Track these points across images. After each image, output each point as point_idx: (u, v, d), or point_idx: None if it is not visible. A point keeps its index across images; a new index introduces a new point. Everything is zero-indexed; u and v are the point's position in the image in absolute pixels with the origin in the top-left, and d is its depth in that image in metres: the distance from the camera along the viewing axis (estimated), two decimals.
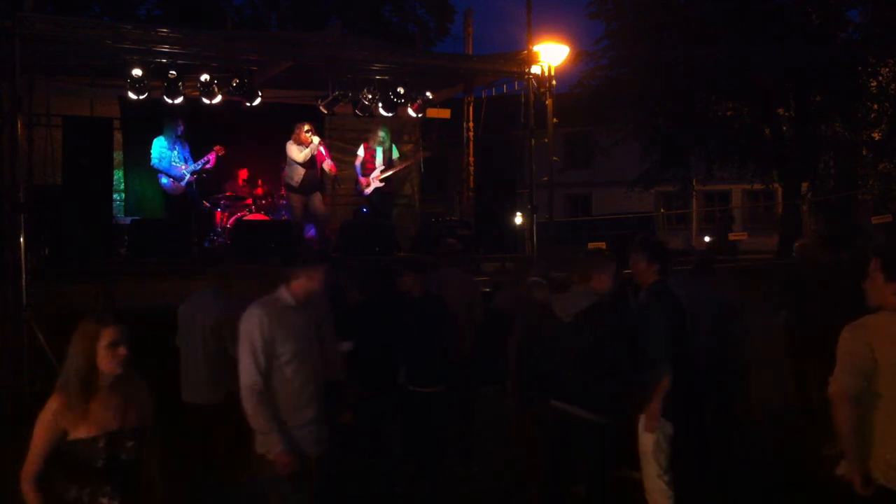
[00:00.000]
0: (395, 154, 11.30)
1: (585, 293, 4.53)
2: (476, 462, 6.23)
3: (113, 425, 3.23)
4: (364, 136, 11.39)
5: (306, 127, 10.29)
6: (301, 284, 4.22)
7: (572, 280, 4.73)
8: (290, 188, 10.52)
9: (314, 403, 4.21)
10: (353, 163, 11.56)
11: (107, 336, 3.25)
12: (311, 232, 10.79)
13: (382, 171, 10.97)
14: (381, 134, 11.04)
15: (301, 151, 10.29)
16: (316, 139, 10.33)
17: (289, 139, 10.42)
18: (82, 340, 3.25)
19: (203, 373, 5.29)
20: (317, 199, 10.57)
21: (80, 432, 3.19)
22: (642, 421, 4.50)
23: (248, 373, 4.06)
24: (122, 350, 3.26)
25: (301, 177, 10.38)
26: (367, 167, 11.03)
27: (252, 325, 4.09)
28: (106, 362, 3.24)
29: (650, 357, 4.40)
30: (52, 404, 3.23)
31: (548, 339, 4.64)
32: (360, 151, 11.11)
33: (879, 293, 3.26)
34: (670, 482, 4.44)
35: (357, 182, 11.16)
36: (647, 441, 4.48)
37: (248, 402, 4.05)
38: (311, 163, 10.41)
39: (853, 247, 8.05)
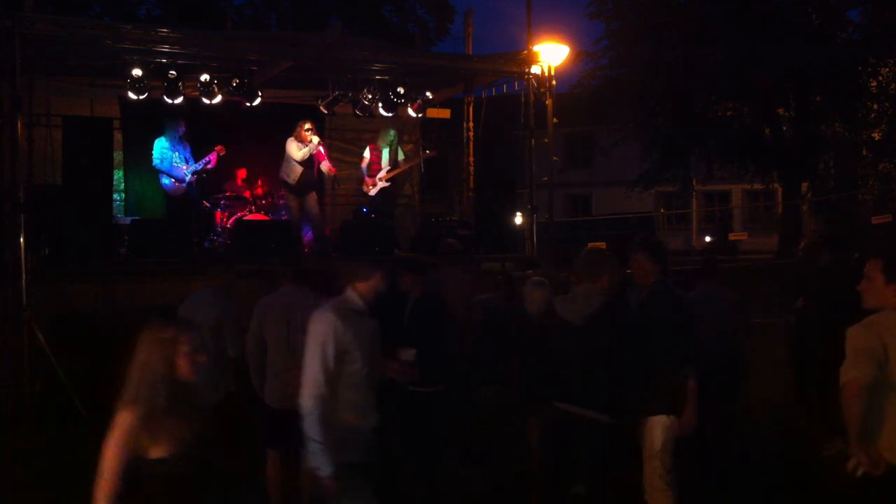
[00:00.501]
0: (401, 155, 11.33)
1: (593, 294, 4.50)
2: (476, 462, 6.23)
3: (188, 439, 2.98)
4: (368, 137, 11.42)
5: (307, 125, 10.28)
6: (372, 286, 4.07)
7: (573, 280, 4.71)
8: (287, 186, 10.51)
9: (375, 410, 4.07)
10: (353, 163, 11.58)
11: (186, 342, 3.03)
12: (307, 231, 10.79)
13: (388, 172, 11.00)
14: (390, 135, 11.07)
15: (300, 150, 10.28)
16: (315, 139, 10.32)
17: (287, 138, 10.42)
18: (160, 348, 2.98)
19: (202, 374, 5.27)
20: (311, 199, 10.55)
21: (160, 450, 2.91)
22: (651, 422, 4.48)
23: (315, 381, 3.87)
24: (202, 357, 3.06)
25: (298, 175, 10.36)
26: (374, 168, 11.06)
27: (325, 330, 3.89)
28: (186, 370, 3.02)
29: (667, 358, 4.39)
30: (126, 420, 2.91)
31: (556, 341, 4.59)
32: (367, 153, 11.14)
33: (880, 295, 3.25)
34: (671, 483, 4.44)
35: (362, 182, 11.18)
36: (657, 441, 4.47)
37: (311, 412, 3.86)
38: (309, 162, 10.40)
39: (855, 247, 8.06)
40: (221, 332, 5.23)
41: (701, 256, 7.14)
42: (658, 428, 4.48)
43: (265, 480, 5.23)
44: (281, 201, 10.83)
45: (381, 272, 4.11)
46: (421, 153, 12.59)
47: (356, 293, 4.06)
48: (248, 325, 5.27)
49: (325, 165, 10.43)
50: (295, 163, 10.33)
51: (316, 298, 5.23)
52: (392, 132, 11.04)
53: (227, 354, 5.30)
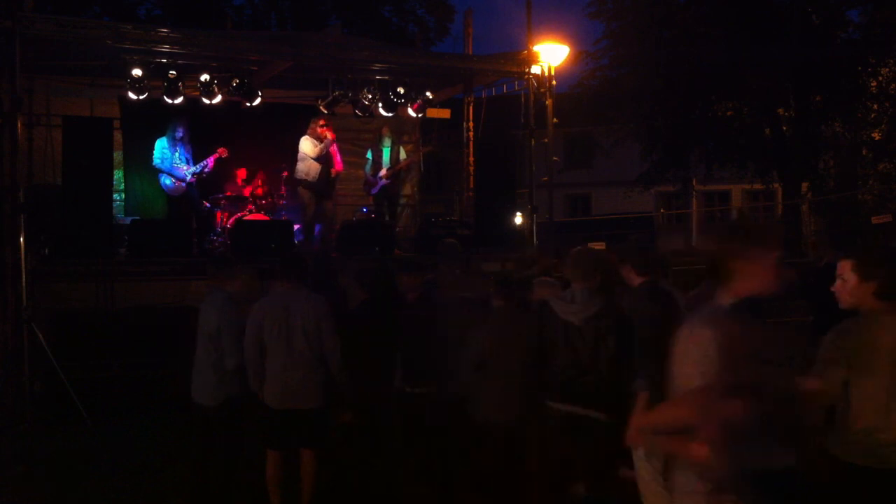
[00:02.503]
0: (403, 154, 11.38)
1: (593, 295, 4.48)
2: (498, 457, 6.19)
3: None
4: (368, 137, 11.47)
5: (322, 121, 10.36)
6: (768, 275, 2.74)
7: (569, 279, 4.68)
8: (304, 184, 10.53)
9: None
10: (353, 163, 11.65)
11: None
12: (316, 231, 10.82)
13: (389, 170, 11.05)
14: (388, 134, 11.13)
15: (316, 146, 10.35)
16: (329, 135, 10.39)
17: (287, 137, 10.47)
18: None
19: (204, 375, 5.26)
20: (330, 201, 10.65)
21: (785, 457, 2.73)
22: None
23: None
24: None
25: (317, 172, 10.44)
26: (375, 168, 11.13)
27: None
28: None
29: (636, 364, 4.35)
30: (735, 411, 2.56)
31: (555, 341, 4.56)
32: (369, 155, 11.21)
33: (855, 295, 3.28)
34: (667, 483, 4.42)
35: (366, 183, 11.25)
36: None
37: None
38: (326, 158, 10.44)
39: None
40: (220, 337, 5.19)
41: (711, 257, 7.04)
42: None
43: (265, 481, 5.22)
44: (281, 202, 10.84)
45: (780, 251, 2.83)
46: (420, 147, 12.62)
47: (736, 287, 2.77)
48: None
49: (338, 163, 10.52)
50: (311, 160, 10.38)
51: (314, 297, 5.24)
52: (389, 134, 11.11)
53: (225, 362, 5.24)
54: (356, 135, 12.14)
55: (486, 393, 4.90)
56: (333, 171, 10.69)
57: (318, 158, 10.38)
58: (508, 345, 4.86)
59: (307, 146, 10.40)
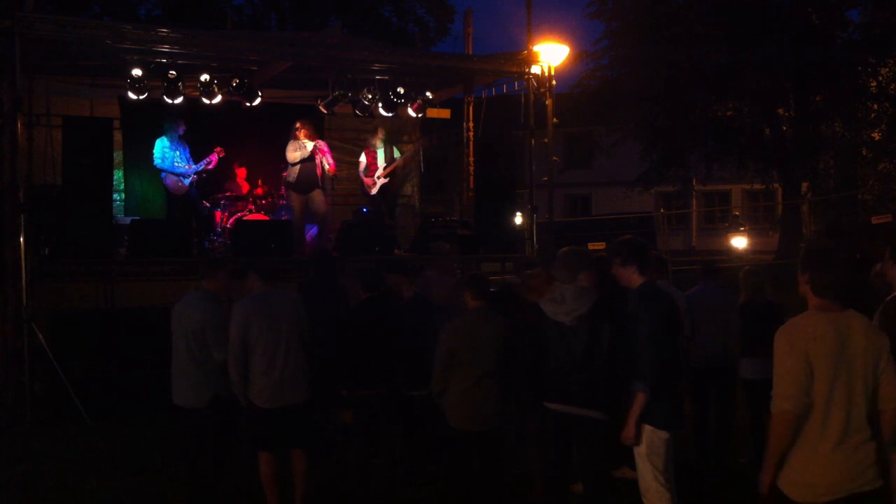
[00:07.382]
0: (397, 153, 11.37)
1: (582, 294, 4.48)
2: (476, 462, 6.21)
3: None
4: (368, 137, 11.44)
5: (297, 124, 10.36)
6: None
7: (561, 279, 4.66)
8: (287, 185, 10.55)
9: None
10: (353, 163, 11.61)
11: None
12: (313, 231, 10.80)
13: (385, 169, 11.04)
14: (382, 134, 11.11)
15: (294, 151, 10.34)
16: (310, 143, 10.33)
17: (288, 137, 10.46)
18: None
19: (188, 376, 5.23)
20: (317, 197, 10.58)
21: None
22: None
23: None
24: None
25: (296, 174, 10.39)
26: (371, 169, 11.11)
27: None
28: None
29: (636, 365, 4.34)
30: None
31: (547, 341, 4.56)
32: (363, 157, 11.20)
33: (803, 291, 3.25)
34: (667, 483, 4.41)
35: (362, 184, 11.23)
36: (642, 445, 4.45)
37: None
38: (308, 159, 10.42)
39: (856, 247, 8.02)
40: (205, 336, 5.18)
41: (705, 259, 7.07)
42: (640, 433, 4.43)
43: (260, 482, 5.20)
44: (281, 202, 10.84)
45: None
46: (415, 146, 12.61)
47: None
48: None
49: (328, 163, 10.46)
50: (291, 166, 10.39)
51: (293, 297, 5.27)
52: (382, 134, 11.11)
53: (211, 358, 5.22)
54: (356, 135, 12.13)
55: (455, 396, 4.85)
56: (330, 171, 10.65)
57: (295, 164, 10.36)
58: (480, 346, 4.81)
59: (288, 150, 10.39)
